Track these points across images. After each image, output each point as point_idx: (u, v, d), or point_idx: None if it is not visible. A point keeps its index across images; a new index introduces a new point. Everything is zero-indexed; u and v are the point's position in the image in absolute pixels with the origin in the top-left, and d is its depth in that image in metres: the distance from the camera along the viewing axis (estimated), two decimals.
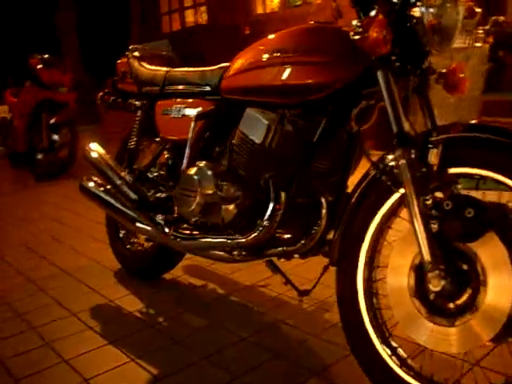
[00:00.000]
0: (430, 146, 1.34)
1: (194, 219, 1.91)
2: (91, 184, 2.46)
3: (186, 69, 2.17)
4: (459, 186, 1.33)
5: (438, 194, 1.32)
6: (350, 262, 1.51)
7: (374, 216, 1.45)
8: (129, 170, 2.36)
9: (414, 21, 1.34)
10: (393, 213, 1.47)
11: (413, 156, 1.34)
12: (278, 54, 1.64)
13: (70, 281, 2.65)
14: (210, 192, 1.79)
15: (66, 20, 9.86)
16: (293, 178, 1.69)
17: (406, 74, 1.45)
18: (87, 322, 2.18)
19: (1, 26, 10.03)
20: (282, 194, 1.67)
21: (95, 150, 2.43)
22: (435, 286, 1.28)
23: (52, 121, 5.54)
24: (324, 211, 1.68)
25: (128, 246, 2.67)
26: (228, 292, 2.41)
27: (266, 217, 1.68)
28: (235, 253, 1.79)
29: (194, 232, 1.96)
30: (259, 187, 1.74)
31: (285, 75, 1.60)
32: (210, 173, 1.81)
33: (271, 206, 1.67)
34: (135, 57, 2.41)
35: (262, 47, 1.73)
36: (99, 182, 2.44)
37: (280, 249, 1.75)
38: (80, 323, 2.18)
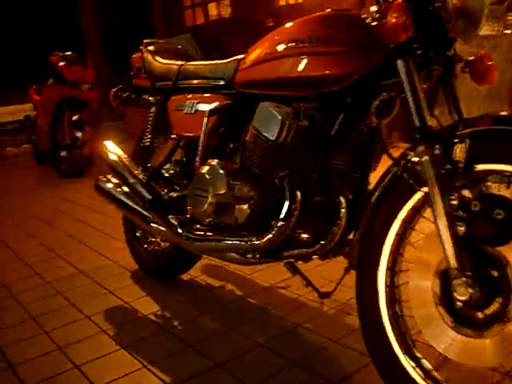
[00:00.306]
0: (455, 140, 1.23)
1: (207, 220, 1.82)
2: (106, 183, 2.40)
3: (199, 62, 2.09)
4: (488, 185, 1.22)
5: (465, 194, 1.22)
6: (370, 265, 1.41)
7: (396, 217, 1.35)
8: (143, 168, 2.28)
9: (437, 4, 1.24)
10: (416, 213, 1.37)
11: (437, 152, 1.23)
12: (293, 44, 1.54)
13: (86, 282, 2.60)
14: (222, 191, 1.71)
15: (89, 18, 9.90)
16: (309, 175, 1.59)
17: (429, 62, 1.34)
18: (101, 326, 2.12)
19: (25, 23, 10.14)
20: (298, 193, 1.57)
21: (110, 148, 2.37)
22: (462, 294, 1.17)
23: (74, 118, 5.53)
24: (343, 210, 1.57)
25: (145, 246, 2.61)
26: (246, 293, 2.33)
27: (280, 217, 1.58)
28: (249, 255, 1.70)
29: (208, 233, 1.87)
30: (274, 186, 1.64)
31: (300, 66, 1.51)
32: (222, 171, 1.72)
33: (286, 205, 1.58)
34: (149, 51, 2.33)
35: (276, 37, 1.63)
36: (114, 181, 2.38)
37: (297, 251, 1.65)
38: (94, 326, 2.12)
